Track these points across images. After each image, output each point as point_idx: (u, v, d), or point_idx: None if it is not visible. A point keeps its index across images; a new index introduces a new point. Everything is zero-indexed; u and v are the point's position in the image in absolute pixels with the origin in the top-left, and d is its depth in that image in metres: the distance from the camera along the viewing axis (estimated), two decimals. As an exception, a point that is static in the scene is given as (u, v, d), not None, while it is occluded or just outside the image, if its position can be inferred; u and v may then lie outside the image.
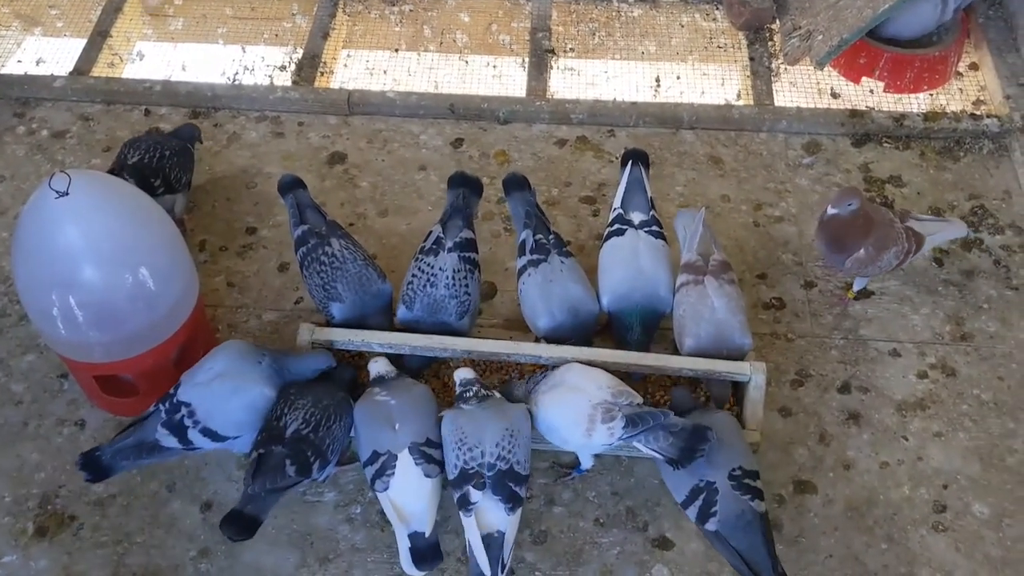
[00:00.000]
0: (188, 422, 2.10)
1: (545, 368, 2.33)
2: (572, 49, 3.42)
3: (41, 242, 2.07)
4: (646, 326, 2.37)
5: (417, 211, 2.90)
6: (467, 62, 3.39)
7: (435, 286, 2.36)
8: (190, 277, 2.32)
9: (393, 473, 2.08)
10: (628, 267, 2.42)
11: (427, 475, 2.08)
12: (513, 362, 2.42)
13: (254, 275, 2.74)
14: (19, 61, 3.44)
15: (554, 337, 2.36)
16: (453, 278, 2.35)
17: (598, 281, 2.45)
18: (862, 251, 2.44)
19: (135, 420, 2.18)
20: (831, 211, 2.39)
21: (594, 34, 3.46)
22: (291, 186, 2.51)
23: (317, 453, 2.10)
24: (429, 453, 2.10)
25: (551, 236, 2.45)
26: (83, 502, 2.30)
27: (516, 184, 2.55)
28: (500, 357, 2.35)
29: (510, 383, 2.35)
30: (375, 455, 2.10)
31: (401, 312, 2.40)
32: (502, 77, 3.34)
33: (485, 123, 3.12)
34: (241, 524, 2.06)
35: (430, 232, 2.44)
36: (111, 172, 2.64)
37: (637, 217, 2.49)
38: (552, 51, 3.36)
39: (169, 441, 2.12)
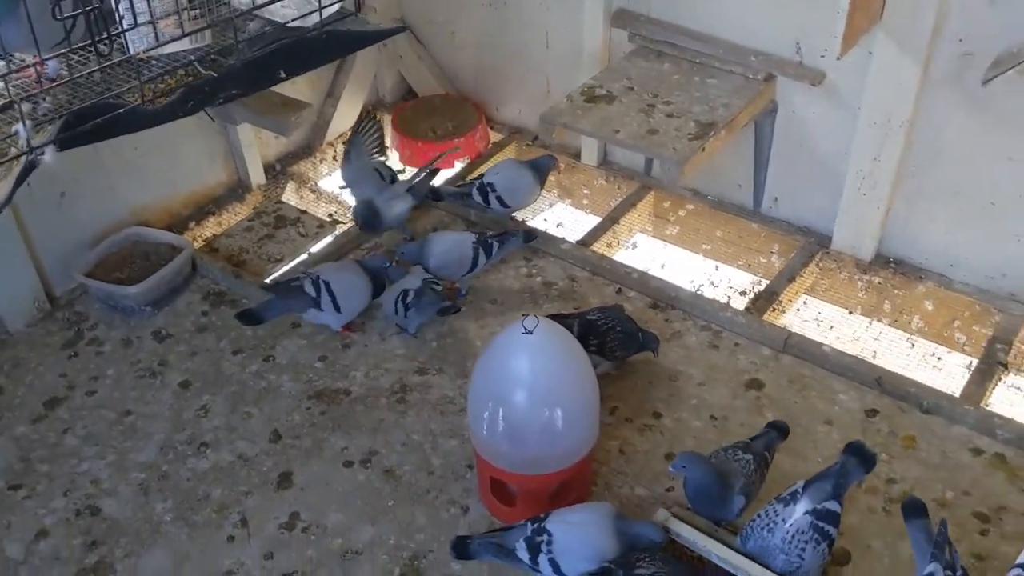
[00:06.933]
0: (544, 548, 2.48)
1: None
2: (1026, 370, 3.36)
3: (499, 362, 2.64)
4: None
5: (807, 459, 3.04)
6: (913, 345, 3.49)
7: (772, 533, 2.44)
8: (591, 431, 2.74)
9: None
10: None
11: None
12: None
13: (643, 453, 3.09)
14: (545, 219, 4.27)
15: None
16: (793, 537, 2.41)
17: None
18: None
19: (505, 527, 2.62)
20: None
21: (1058, 363, 3.37)
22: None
23: None
24: None
25: (959, 574, 2.32)
26: (440, 572, 2.77)
27: (916, 510, 2.46)
28: (829, 625, 2.40)
29: None
30: None
31: (737, 542, 2.56)
32: (942, 369, 3.38)
33: (906, 405, 3.19)
34: None
35: (794, 483, 2.55)
36: (564, 314, 3.23)
37: None
38: (1005, 365, 3.33)
39: (523, 555, 2.51)
